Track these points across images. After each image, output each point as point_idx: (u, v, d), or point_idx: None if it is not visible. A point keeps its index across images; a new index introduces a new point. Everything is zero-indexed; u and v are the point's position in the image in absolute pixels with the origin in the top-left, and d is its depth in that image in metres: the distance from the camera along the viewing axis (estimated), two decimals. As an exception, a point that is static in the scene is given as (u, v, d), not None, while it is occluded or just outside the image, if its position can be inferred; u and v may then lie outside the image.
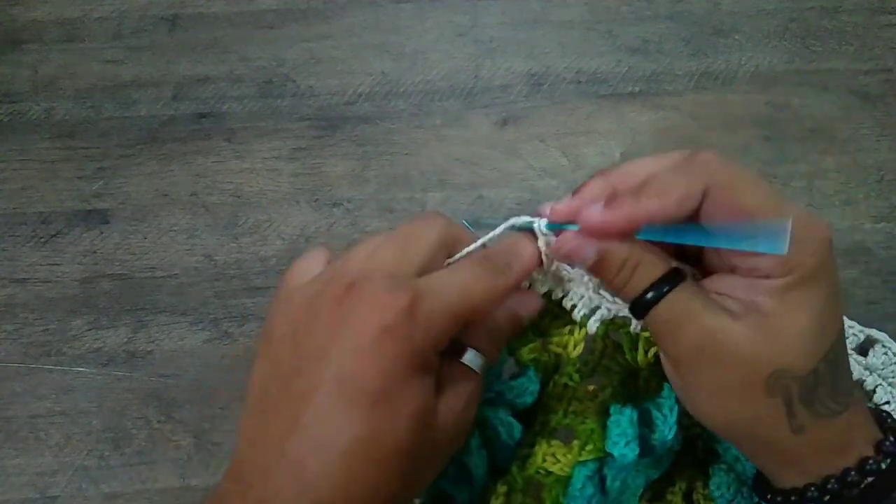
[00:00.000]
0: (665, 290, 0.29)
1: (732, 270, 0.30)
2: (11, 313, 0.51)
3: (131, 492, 0.46)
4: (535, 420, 0.36)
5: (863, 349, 0.45)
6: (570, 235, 0.30)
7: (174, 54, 0.59)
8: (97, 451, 0.47)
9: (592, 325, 0.34)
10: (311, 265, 0.31)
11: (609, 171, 0.31)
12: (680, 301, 0.29)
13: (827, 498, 0.28)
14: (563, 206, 0.31)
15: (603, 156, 0.56)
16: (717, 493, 0.38)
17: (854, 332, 0.45)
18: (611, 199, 0.29)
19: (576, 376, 0.35)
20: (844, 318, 0.44)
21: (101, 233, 0.54)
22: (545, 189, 0.54)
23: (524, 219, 0.33)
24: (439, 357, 0.30)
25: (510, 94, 0.58)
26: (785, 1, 0.61)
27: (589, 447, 0.34)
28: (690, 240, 0.29)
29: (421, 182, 0.55)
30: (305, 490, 0.26)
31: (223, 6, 0.61)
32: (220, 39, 0.60)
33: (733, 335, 0.28)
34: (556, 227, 0.31)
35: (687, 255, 0.32)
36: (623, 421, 0.34)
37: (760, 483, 0.32)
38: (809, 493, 0.29)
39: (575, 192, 0.31)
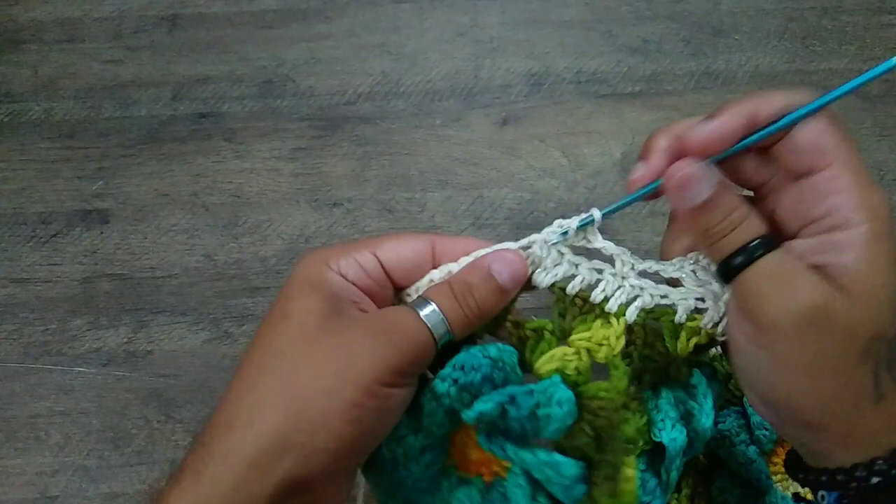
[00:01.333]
0: (760, 252, 0.27)
1: (798, 236, 0.29)
2: (11, 313, 0.51)
3: (131, 492, 0.46)
4: (600, 444, 0.30)
5: None
6: (687, 161, 0.28)
7: (174, 54, 0.59)
8: (97, 451, 0.47)
9: (632, 314, 0.31)
10: None
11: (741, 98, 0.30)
12: (784, 263, 0.27)
13: (876, 480, 0.27)
14: (648, 165, 0.30)
15: (603, 156, 0.56)
16: (719, 499, 0.38)
17: None
18: (708, 117, 0.28)
19: (626, 380, 0.30)
20: None
21: (101, 233, 0.54)
22: (545, 189, 0.54)
23: (570, 224, 0.31)
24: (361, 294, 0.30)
25: (510, 94, 0.58)
26: (785, 1, 0.61)
27: (640, 444, 0.31)
28: (804, 110, 0.27)
29: (421, 182, 0.55)
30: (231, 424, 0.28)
31: (223, 6, 0.61)
32: (220, 39, 0.60)
33: (835, 302, 0.26)
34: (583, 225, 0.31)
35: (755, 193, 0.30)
36: (663, 405, 0.31)
37: (799, 468, 0.31)
38: (877, 466, 0.27)
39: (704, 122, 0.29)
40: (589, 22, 0.61)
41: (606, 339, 0.30)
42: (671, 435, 0.30)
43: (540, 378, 0.30)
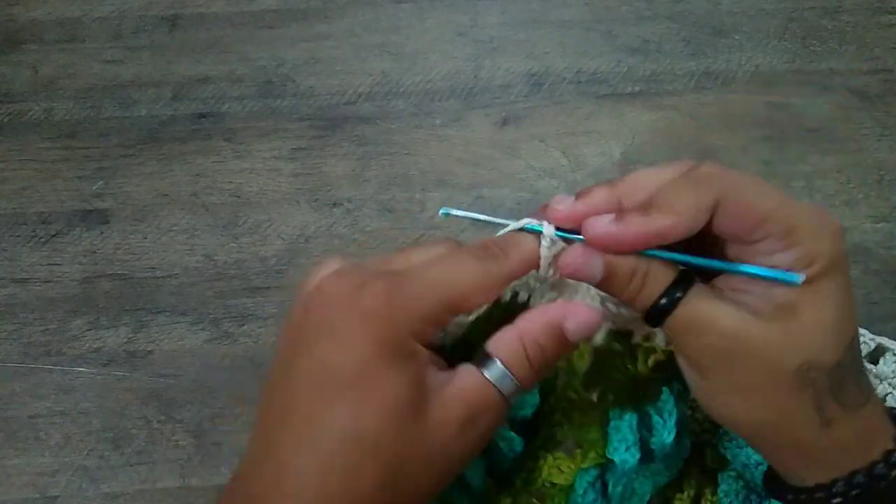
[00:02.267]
0: (678, 294, 0.29)
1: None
2: (11, 313, 0.51)
3: (131, 492, 0.46)
4: (538, 433, 0.35)
5: (873, 357, 0.45)
6: (575, 252, 0.29)
7: (174, 54, 0.59)
8: (97, 451, 0.47)
9: (598, 337, 0.33)
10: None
11: (613, 181, 0.31)
12: (697, 304, 0.28)
13: (854, 492, 0.28)
14: (567, 207, 0.30)
15: (603, 156, 0.56)
16: (725, 501, 0.38)
17: (864, 339, 0.45)
18: (620, 214, 0.28)
19: (581, 389, 0.34)
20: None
21: (101, 233, 0.54)
22: (545, 189, 0.54)
23: (531, 222, 0.31)
24: (438, 357, 0.29)
25: (510, 94, 0.58)
26: (785, 1, 0.61)
27: (591, 455, 0.34)
28: (699, 262, 0.29)
29: (421, 182, 0.55)
30: (282, 484, 0.26)
31: (223, 6, 0.61)
32: (220, 39, 0.60)
33: (757, 333, 0.27)
34: (563, 235, 0.30)
35: (697, 248, 0.31)
36: (623, 426, 0.33)
37: (775, 483, 0.32)
38: (836, 488, 0.28)
39: (578, 196, 0.31)
40: (589, 22, 0.61)
41: (570, 357, 0.33)
42: (622, 456, 0.33)
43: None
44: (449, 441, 0.28)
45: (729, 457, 0.40)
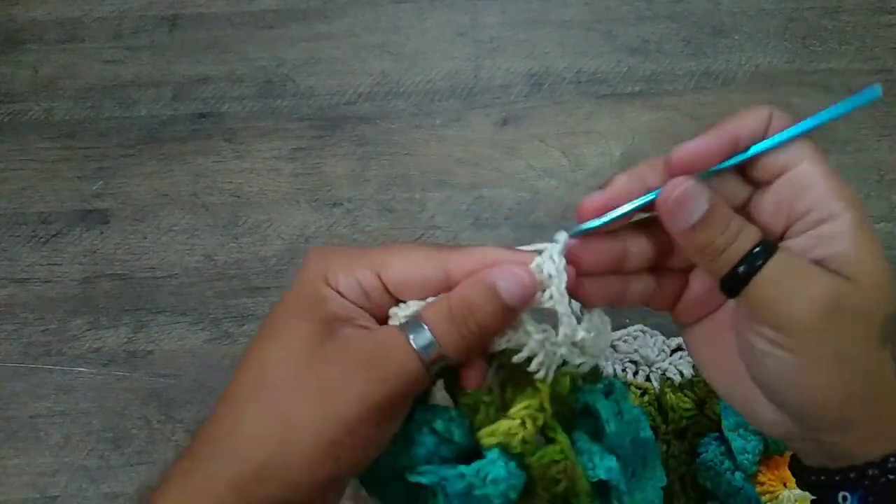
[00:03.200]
0: (760, 260, 0.27)
1: (784, 238, 0.29)
2: (11, 313, 0.51)
3: (131, 492, 0.46)
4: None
5: None
6: (677, 180, 0.28)
7: (174, 54, 0.59)
8: (97, 451, 0.47)
9: (550, 376, 0.29)
10: None
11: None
12: (790, 263, 0.28)
13: None
14: (598, 199, 0.29)
15: (603, 156, 0.56)
16: None
17: None
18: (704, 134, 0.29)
19: (566, 438, 0.29)
20: None
21: (101, 233, 0.54)
22: (545, 189, 0.54)
23: (541, 246, 0.29)
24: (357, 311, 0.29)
25: (510, 94, 0.58)
26: (785, 1, 0.61)
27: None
28: (791, 131, 0.28)
29: (421, 182, 0.55)
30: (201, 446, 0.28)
31: (223, 6, 0.61)
32: (220, 39, 0.60)
33: (849, 291, 0.27)
34: (579, 232, 0.29)
35: None
36: (580, 443, 0.30)
37: (807, 470, 0.30)
38: (891, 463, 0.27)
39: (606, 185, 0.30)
40: (589, 22, 0.61)
41: (542, 404, 0.29)
42: (604, 465, 0.29)
43: (483, 449, 0.28)
44: (342, 383, 0.27)
45: (710, 486, 0.41)
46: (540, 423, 0.29)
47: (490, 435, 0.28)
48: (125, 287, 0.52)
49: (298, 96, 0.58)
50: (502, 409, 0.29)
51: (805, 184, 0.28)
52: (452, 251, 0.29)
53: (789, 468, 0.33)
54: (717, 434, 0.43)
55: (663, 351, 0.46)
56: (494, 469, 0.27)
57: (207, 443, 0.28)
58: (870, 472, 0.27)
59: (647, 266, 0.32)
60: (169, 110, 0.57)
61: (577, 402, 0.31)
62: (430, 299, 0.29)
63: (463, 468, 0.28)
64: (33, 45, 0.60)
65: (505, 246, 0.30)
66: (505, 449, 0.28)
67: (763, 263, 0.27)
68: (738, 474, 0.41)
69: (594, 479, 0.29)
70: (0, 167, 0.56)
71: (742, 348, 0.30)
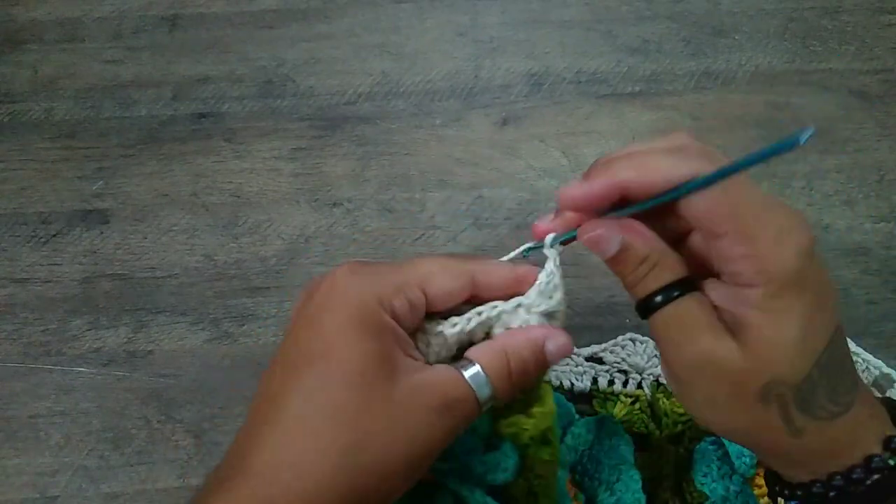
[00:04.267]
0: (675, 294, 0.29)
1: (720, 278, 0.30)
2: (11, 313, 0.51)
3: (131, 492, 0.46)
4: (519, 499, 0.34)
5: (878, 385, 0.45)
6: (598, 225, 0.30)
7: (174, 54, 0.59)
8: (97, 451, 0.47)
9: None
10: None
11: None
12: (686, 310, 0.29)
13: (832, 494, 0.28)
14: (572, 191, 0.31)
15: (603, 156, 0.56)
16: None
17: (869, 367, 0.45)
18: (587, 174, 0.30)
19: (559, 445, 0.34)
20: (860, 351, 0.45)
21: (101, 233, 0.54)
22: (545, 189, 0.54)
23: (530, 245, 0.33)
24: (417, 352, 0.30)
25: (510, 94, 0.58)
26: (785, 1, 0.61)
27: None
28: (683, 190, 0.28)
29: (421, 182, 0.55)
30: (252, 460, 0.27)
31: (223, 6, 0.61)
32: (220, 39, 0.60)
33: (725, 352, 0.28)
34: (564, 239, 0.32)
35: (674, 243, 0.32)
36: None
37: (770, 474, 0.33)
38: (815, 489, 0.29)
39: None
40: (589, 22, 0.61)
41: (549, 410, 0.32)
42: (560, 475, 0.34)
43: (498, 435, 0.32)
44: (416, 424, 0.28)
45: (707, 491, 0.41)
46: (547, 424, 0.32)
47: (508, 426, 0.32)
48: (125, 287, 0.52)
49: (298, 96, 0.58)
50: (521, 411, 0.32)
51: (727, 255, 0.28)
52: (475, 263, 0.32)
53: (763, 472, 0.36)
54: (713, 438, 0.43)
55: (656, 356, 0.46)
56: (509, 460, 0.32)
57: (256, 467, 0.27)
58: (798, 492, 0.30)
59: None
60: (169, 110, 0.57)
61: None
62: (470, 318, 0.31)
63: (483, 457, 0.32)
64: (33, 45, 0.60)
65: (504, 246, 0.32)
66: (513, 440, 0.32)
67: (675, 298, 0.29)
68: (735, 478, 0.41)
69: None
70: (0, 167, 0.56)
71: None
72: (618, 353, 0.47)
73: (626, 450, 0.41)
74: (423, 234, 0.53)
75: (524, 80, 0.58)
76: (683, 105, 0.57)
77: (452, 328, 0.31)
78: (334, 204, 0.54)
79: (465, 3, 0.61)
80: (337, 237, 0.53)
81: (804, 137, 0.22)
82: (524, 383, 0.31)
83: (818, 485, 0.29)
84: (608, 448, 0.41)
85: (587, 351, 0.47)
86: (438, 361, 0.31)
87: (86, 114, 0.57)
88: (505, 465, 0.32)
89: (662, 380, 0.46)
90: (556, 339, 0.31)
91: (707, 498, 0.42)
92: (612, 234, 0.30)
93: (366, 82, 0.58)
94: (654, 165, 0.29)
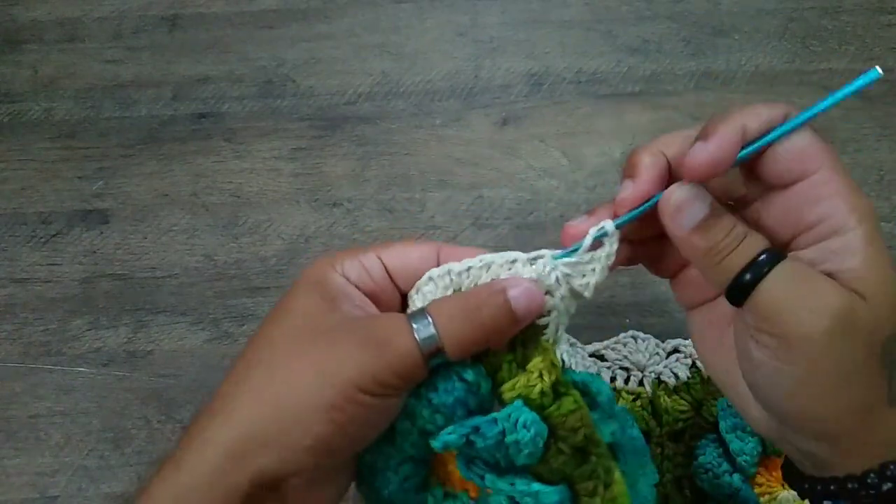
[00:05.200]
0: (770, 264, 0.27)
1: (790, 247, 0.28)
2: (11, 313, 0.51)
3: (131, 492, 0.46)
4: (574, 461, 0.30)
5: None
6: (678, 186, 0.28)
7: (174, 54, 0.59)
8: (97, 451, 0.47)
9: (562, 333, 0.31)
10: None
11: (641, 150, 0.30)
12: (798, 272, 0.27)
13: (887, 486, 0.27)
14: (635, 183, 0.29)
15: (603, 156, 0.56)
16: None
17: None
18: (703, 136, 0.28)
19: (578, 394, 0.30)
20: None
21: (101, 233, 0.54)
22: (545, 189, 0.54)
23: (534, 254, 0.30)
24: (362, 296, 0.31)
25: (510, 94, 0.58)
26: (785, 1, 0.61)
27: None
28: (795, 122, 0.27)
29: (421, 182, 0.55)
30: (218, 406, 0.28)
31: (223, 6, 0.61)
32: (220, 39, 0.60)
33: (859, 307, 0.26)
34: (562, 257, 0.30)
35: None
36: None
37: (803, 477, 0.30)
38: (889, 472, 0.27)
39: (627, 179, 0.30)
40: (589, 22, 0.61)
41: (552, 362, 0.30)
42: (608, 429, 0.31)
43: (504, 404, 0.29)
44: (339, 354, 0.27)
45: (708, 488, 0.41)
46: (553, 377, 0.29)
47: (511, 389, 0.29)
48: (125, 287, 0.52)
49: (298, 96, 0.58)
50: (521, 367, 0.30)
51: (819, 194, 0.27)
52: (445, 244, 0.32)
53: (781, 470, 0.33)
54: (714, 436, 0.43)
55: (657, 354, 0.46)
56: (523, 413, 0.28)
57: (203, 418, 0.28)
58: (849, 485, 0.27)
59: (656, 234, 0.31)
60: (169, 110, 0.57)
61: (566, 385, 0.31)
62: (466, 263, 0.30)
63: (494, 414, 0.28)
64: (33, 45, 0.60)
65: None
66: (526, 402, 0.29)
67: (769, 271, 0.27)
68: (736, 476, 0.41)
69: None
70: (0, 167, 0.56)
71: (739, 352, 0.30)
72: (619, 351, 0.47)
73: (643, 441, 0.40)
74: (423, 234, 0.53)
75: (524, 80, 0.58)
76: (683, 105, 0.57)
77: (461, 266, 0.30)
78: (334, 204, 0.54)
79: (465, 3, 0.61)
80: (337, 237, 0.53)
81: (875, 74, 0.25)
82: (482, 331, 0.28)
83: (893, 466, 0.27)
84: (631, 437, 0.40)
85: (590, 348, 0.47)
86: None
87: (86, 114, 0.57)
88: (525, 419, 0.28)
89: (664, 377, 0.46)
90: (521, 287, 0.29)
91: (707, 495, 0.42)
92: (703, 196, 0.28)
93: (366, 82, 0.58)
94: (757, 111, 0.28)
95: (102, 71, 0.59)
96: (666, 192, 0.28)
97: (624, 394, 0.45)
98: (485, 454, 0.29)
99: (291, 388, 0.27)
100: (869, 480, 0.27)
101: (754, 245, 0.28)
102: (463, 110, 0.57)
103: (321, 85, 0.58)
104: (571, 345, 0.47)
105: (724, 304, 0.31)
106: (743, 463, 0.41)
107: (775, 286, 0.27)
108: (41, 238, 0.53)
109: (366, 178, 0.55)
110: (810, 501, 0.29)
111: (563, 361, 0.42)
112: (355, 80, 0.58)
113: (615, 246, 0.30)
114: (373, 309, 0.31)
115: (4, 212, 0.54)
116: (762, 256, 0.27)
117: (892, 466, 0.27)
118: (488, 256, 0.30)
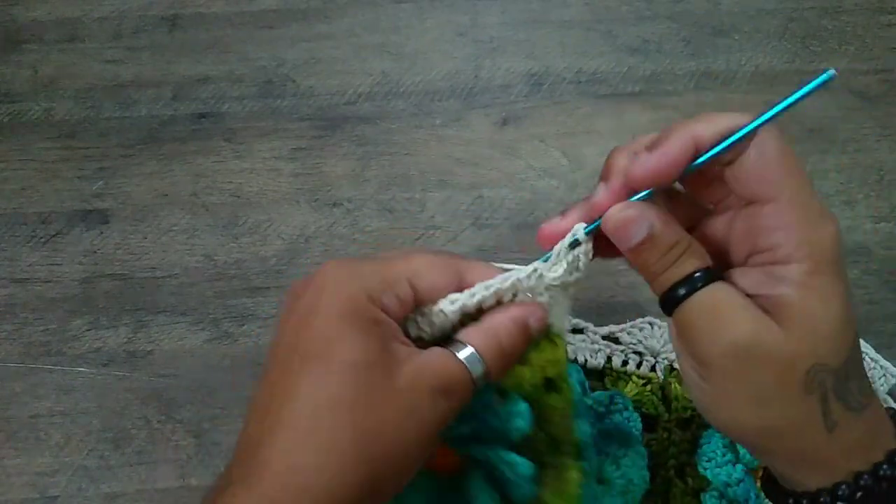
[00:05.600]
0: (701, 283, 0.28)
1: (746, 263, 0.29)
2: (11, 313, 0.51)
3: (131, 492, 0.46)
4: (545, 448, 0.33)
5: (893, 393, 0.46)
6: (625, 204, 0.29)
7: (174, 54, 0.59)
8: (97, 451, 0.47)
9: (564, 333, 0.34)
10: None
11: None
12: (723, 295, 0.28)
13: (859, 495, 0.27)
14: (599, 198, 0.31)
15: (603, 156, 0.55)
16: None
17: (888, 374, 0.45)
18: (651, 146, 0.29)
19: (572, 393, 0.33)
20: (879, 357, 0.45)
21: (101, 233, 0.54)
22: (545, 189, 0.54)
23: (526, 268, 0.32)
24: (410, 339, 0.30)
25: (510, 94, 0.58)
26: (785, 1, 0.61)
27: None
28: (732, 139, 0.28)
29: (421, 182, 0.55)
30: (261, 465, 0.26)
31: (223, 6, 0.61)
32: (220, 39, 0.60)
33: (770, 335, 0.27)
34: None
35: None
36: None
37: (774, 487, 0.31)
38: (840, 492, 0.28)
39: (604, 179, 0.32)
40: (589, 22, 0.61)
41: (556, 358, 0.32)
42: (581, 428, 0.33)
43: (502, 389, 0.32)
44: (420, 407, 0.28)
45: (710, 476, 0.41)
46: (550, 373, 0.32)
47: (508, 377, 0.32)
48: (125, 287, 0.52)
49: (298, 96, 0.58)
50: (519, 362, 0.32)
51: (772, 223, 0.28)
52: (463, 261, 0.32)
53: (762, 485, 0.33)
54: None
55: (671, 342, 0.47)
56: (519, 406, 0.31)
57: (277, 473, 0.26)
58: (804, 501, 0.29)
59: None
60: (169, 110, 0.57)
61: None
62: (474, 293, 0.31)
63: (497, 408, 0.32)
64: (33, 45, 0.60)
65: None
66: (518, 391, 0.32)
67: (700, 289, 0.28)
68: (738, 467, 0.41)
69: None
70: (0, 167, 0.56)
71: (677, 361, 0.32)
72: (635, 335, 0.47)
73: (636, 427, 0.41)
74: (423, 234, 0.53)
75: (524, 80, 0.58)
76: (683, 105, 0.57)
77: (451, 305, 0.31)
78: (334, 204, 0.54)
79: (465, 3, 0.61)
80: (337, 237, 0.53)
81: (829, 76, 0.26)
82: (514, 359, 0.31)
83: (843, 487, 0.28)
84: (618, 423, 0.41)
85: (604, 330, 0.48)
86: (432, 342, 0.31)
87: (86, 114, 0.57)
88: (517, 411, 0.31)
89: (676, 365, 0.46)
90: (536, 314, 0.31)
91: (709, 483, 0.42)
92: (642, 217, 0.29)
93: (366, 82, 0.58)
94: (717, 118, 0.29)
95: (102, 71, 0.59)
96: (609, 211, 0.30)
97: (635, 378, 0.46)
98: (484, 434, 0.32)
99: (383, 442, 0.27)
100: (840, 492, 0.28)
101: (687, 266, 0.29)
102: (463, 110, 0.57)
103: (321, 85, 0.58)
104: (579, 330, 0.48)
105: None
106: (746, 455, 0.41)
107: (695, 307, 0.28)
108: (41, 238, 0.53)
109: (366, 178, 0.55)
110: None
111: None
112: (355, 80, 0.58)
113: (588, 249, 0.32)
114: (402, 334, 0.30)
115: (4, 212, 0.54)
116: (696, 275, 0.29)
117: (842, 487, 0.28)
118: (493, 283, 0.31)
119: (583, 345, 0.47)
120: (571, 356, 0.46)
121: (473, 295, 0.31)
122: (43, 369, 0.50)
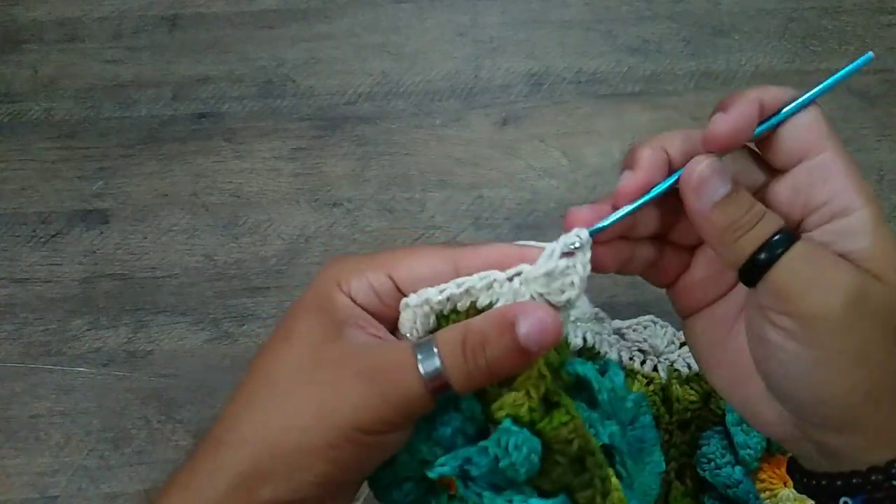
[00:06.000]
0: (786, 243, 0.27)
1: (800, 228, 0.29)
2: (11, 313, 0.51)
3: (131, 492, 0.46)
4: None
5: None
6: (702, 159, 0.27)
7: (174, 54, 0.59)
8: (97, 451, 0.48)
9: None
10: None
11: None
12: (814, 252, 0.27)
13: None
14: (627, 183, 0.29)
15: (603, 156, 0.56)
16: None
17: None
18: (722, 107, 0.28)
19: (572, 402, 0.30)
20: None
21: (101, 233, 0.54)
22: (545, 189, 0.54)
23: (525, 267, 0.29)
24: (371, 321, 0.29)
25: (510, 94, 0.58)
26: (785, 1, 0.61)
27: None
28: (805, 99, 0.28)
29: (421, 182, 0.55)
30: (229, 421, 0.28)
31: (223, 6, 0.61)
32: (220, 39, 0.60)
33: (875, 286, 0.26)
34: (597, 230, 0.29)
35: None
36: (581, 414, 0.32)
37: (814, 474, 0.29)
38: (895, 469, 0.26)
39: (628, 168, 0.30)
40: (589, 22, 0.61)
41: (539, 372, 0.28)
42: (606, 431, 0.30)
43: (496, 425, 0.28)
44: (341, 387, 0.27)
45: (709, 478, 0.41)
46: (542, 390, 0.28)
47: (499, 409, 0.28)
48: (125, 287, 0.52)
49: (298, 96, 0.58)
50: (506, 385, 0.28)
51: (826, 173, 0.28)
52: (462, 248, 0.29)
53: (787, 471, 0.32)
54: (720, 428, 0.43)
55: (673, 342, 0.46)
56: (513, 435, 0.27)
57: (210, 445, 0.28)
58: (873, 477, 0.27)
59: (652, 235, 0.31)
60: (169, 110, 0.57)
61: (569, 375, 0.31)
62: (443, 288, 0.28)
63: (483, 442, 0.28)
64: (33, 45, 0.60)
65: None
66: (515, 420, 0.28)
67: (784, 251, 0.27)
68: (737, 468, 0.41)
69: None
70: (0, 167, 0.56)
71: (753, 340, 0.29)
72: (640, 333, 0.47)
73: (653, 430, 0.40)
74: (423, 234, 0.53)
75: (524, 80, 0.58)
76: (683, 105, 0.57)
77: (417, 298, 0.28)
78: (334, 204, 0.54)
79: (465, 3, 0.61)
80: (337, 237, 0.53)
81: (868, 58, 0.28)
82: (487, 367, 0.27)
83: None
84: (646, 426, 0.39)
85: (615, 324, 0.47)
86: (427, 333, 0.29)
87: (86, 114, 0.57)
88: (515, 441, 0.27)
89: (677, 366, 0.45)
90: (529, 316, 0.26)
91: (708, 485, 0.42)
92: (724, 169, 0.27)
93: (366, 82, 0.58)
94: (769, 90, 0.28)
95: (102, 71, 0.59)
96: (689, 164, 0.28)
97: (640, 377, 0.45)
98: (481, 480, 0.28)
99: (291, 428, 0.27)
100: (895, 470, 0.26)
101: (770, 225, 0.27)
102: (463, 110, 0.57)
103: (321, 85, 0.58)
104: (599, 319, 0.46)
105: (724, 306, 0.32)
106: (746, 456, 0.41)
107: (791, 266, 0.27)
108: (41, 238, 0.53)
109: (366, 178, 0.55)
110: (821, 499, 0.29)
111: (584, 341, 0.41)
112: (355, 80, 0.58)
113: (587, 261, 0.28)
114: (381, 330, 0.29)
115: (4, 212, 0.54)
116: (777, 236, 0.27)
117: None
118: (467, 281, 0.28)
119: (599, 337, 0.45)
120: (603, 350, 0.43)
121: (442, 290, 0.28)
122: (43, 369, 0.50)
